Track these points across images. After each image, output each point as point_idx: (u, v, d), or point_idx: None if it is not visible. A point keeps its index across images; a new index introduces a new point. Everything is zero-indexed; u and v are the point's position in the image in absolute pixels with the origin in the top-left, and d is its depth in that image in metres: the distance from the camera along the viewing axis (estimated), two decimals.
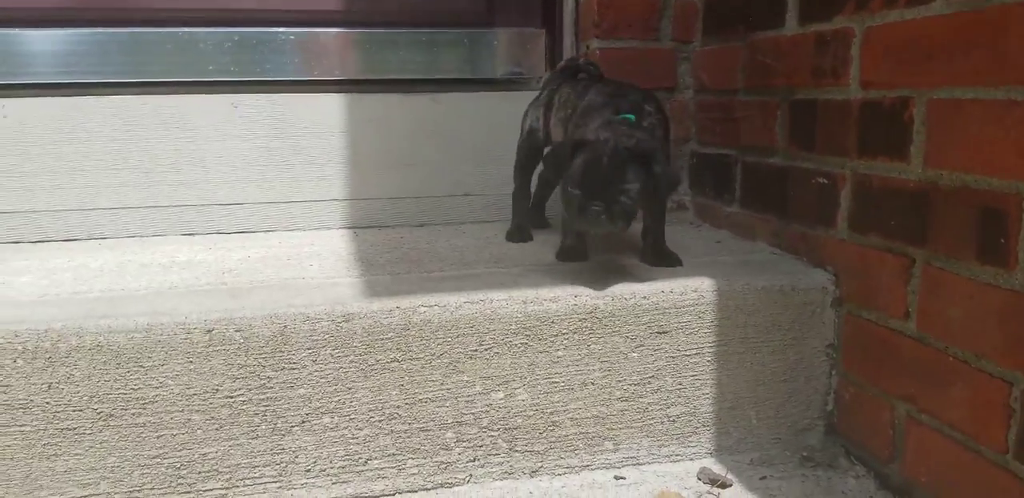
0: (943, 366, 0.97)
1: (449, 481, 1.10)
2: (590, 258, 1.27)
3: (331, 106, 1.59)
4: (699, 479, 1.11)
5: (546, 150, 1.36)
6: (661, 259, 1.27)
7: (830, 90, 1.17)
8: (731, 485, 1.09)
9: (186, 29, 1.56)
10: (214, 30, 1.57)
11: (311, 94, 1.59)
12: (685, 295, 1.13)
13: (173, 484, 1.02)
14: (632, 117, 1.19)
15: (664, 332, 1.13)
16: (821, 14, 1.18)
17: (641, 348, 1.13)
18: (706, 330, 1.14)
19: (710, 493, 1.07)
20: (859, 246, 1.13)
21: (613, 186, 1.09)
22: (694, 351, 1.14)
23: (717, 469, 1.13)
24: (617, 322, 1.12)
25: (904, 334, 1.04)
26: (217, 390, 1.02)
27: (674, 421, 1.15)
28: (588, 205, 1.10)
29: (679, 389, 1.15)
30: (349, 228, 1.62)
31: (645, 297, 1.12)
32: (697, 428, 1.16)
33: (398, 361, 1.06)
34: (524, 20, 1.73)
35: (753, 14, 1.38)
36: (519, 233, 1.45)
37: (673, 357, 1.14)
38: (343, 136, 1.60)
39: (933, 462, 1.00)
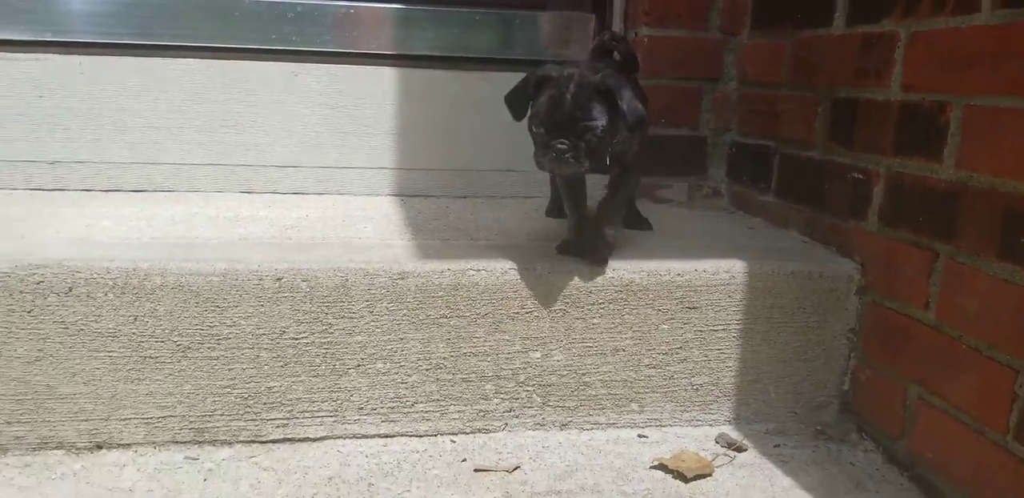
0: (956, 353, 1.07)
1: (486, 428, 1.21)
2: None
3: (385, 79, 1.69)
4: (717, 442, 1.21)
5: None
6: (635, 221, 1.28)
7: (872, 90, 1.25)
8: (746, 450, 1.20)
9: None
10: (278, 0, 1.66)
11: (367, 67, 1.68)
12: (717, 275, 1.23)
13: (240, 412, 1.14)
14: None
15: (694, 307, 1.23)
16: (869, 16, 1.26)
17: (672, 321, 1.23)
18: (734, 308, 1.24)
19: (726, 455, 1.18)
20: (887, 239, 1.22)
21: (578, 123, 1.07)
22: (721, 327, 1.24)
23: (734, 435, 1.23)
24: (651, 295, 1.22)
25: (923, 322, 1.13)
26: (284, 332, 1.13)
27: (697, 389, 1.25)
28: (553, 143, 1.08)
29: (705, 360, 1.25)
30: (397, 195, 1.72)
31: (679, 274, 1.22)
32: (718, 397, 1.26)
33: (446, 317, 1.17)
34: (575, 4, 1.80)
35: (802, 12, 1.46)
36: (557, 210, 1.49)
37: (701, 331, 1.24)
38: (394, 108, 1.71)
39: (939, 440, 1.10)
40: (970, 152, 1.06)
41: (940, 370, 1.10)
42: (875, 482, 1.13)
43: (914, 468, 1.13)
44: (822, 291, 1.26)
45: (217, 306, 1.11)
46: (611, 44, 1.38)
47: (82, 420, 1.11)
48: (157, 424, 1.13)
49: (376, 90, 1.69)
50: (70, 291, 1.08)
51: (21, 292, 1.06)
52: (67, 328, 1.08)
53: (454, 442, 1.18)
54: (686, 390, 1.25)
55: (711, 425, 1.27)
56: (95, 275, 1.08)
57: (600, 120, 1.08)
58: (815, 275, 1.26)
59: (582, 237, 1.25)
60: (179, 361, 1.12)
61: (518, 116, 1.15)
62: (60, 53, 1.58)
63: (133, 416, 1.12)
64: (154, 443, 1.13)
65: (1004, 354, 0.99)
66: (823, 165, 1.39)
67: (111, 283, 1.08)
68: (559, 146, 1.08)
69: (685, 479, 1.10)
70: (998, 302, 1.00)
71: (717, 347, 1.25)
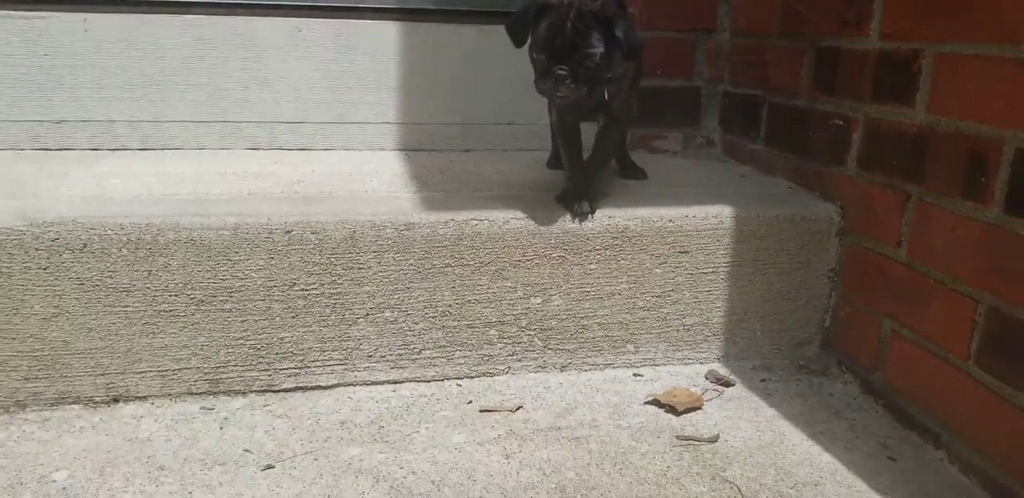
0: (925, 287, 1.13)
1: (491, 371, 1.27)
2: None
3: (388, 34, 1.69)
4: (706, 379, 1.28)
5: None
6: (626, 171, 1.32)
7: (853, 39, 1.28)
8: (734, 385, 1.26)
9: None
10: None
11: (370, 21, 1.68)
12: (706, 220, 1.27)
13: (254, 362, 1.19)
14: None
15: (685, 252, 1.28)
16: None
17: (664, 265, 1.28)
18: (722, 251, 1.29)
19: (715, 390, 1.25)
20: (865, 183, 1.26)
21: (578, 49, 1.11)
22: (710, 269, 1.30)
23: (723, 371, 1.30)
24: (644, 241, 1.26)
25: (896, 260, 1.19)
26: (294, 283, 1.17)
27: (688, 329, 1.31)
28: (553, 69, 1.11)
29: (695, 302, 1.30)
30: (401, 150, 1.75)
31: (671, 220, 1.26)
32: (708, 336, 1.33)
33: (451, 266, 1.21)
34: None
35: None
36: (557, 161, 1.53)
37: (692, 274, 1.29)
38: (397, 63, 1.71)
39: (909, 369, 1.17)
40: (939, 97, 1.10)
41: (911, 304, 1.16)
42: (852, 410, 1.20)
43: (887, 397, 1.21)
44: (805, 234, 1.31)
45: (229, 259, 1.15)
46: None
47: (99, 374, 1.15)
48: (172, 376, 1.17)
49: (379, 45, 1.69)
50: (84, 248, 1.11)
51: (36, 249, 1.09)
52: (82, 284, 1.12)
53: (460, 386, 1.24)
54: (678, 330, 1.31)
55: (701, 363, 1.33)
56: (109, 231, 1.11)
57: (598, 47, 1.11)
58: (798, 218, 1.30)
59: (580, 185, 1.29)
60: (193, 314, 1.16)
61: (518, 43, 1.18)
62: (64, 11, 1.57)
63: (149, 369, 1.17)
64: (170, 395, 1.18)
65: (966, 286, 1.05)
66: (808, 113, 1.42)
67: (125, 239, 1.12)
68: (559, 72, 1.11)
69: (676, 412, 1.16)
70: (961, 238, 1.06)
71: (707, 289, 1.30)
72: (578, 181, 1.29)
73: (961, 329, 1.06)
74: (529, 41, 1.16)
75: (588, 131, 1.33)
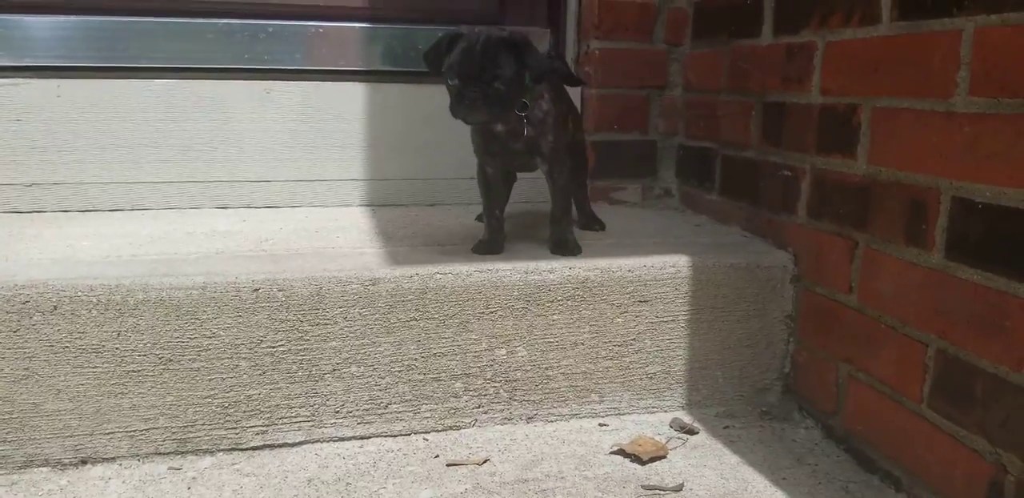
0: (876, 332, 1.14)
1: (457, 424, 1.25)
2: (505, 251, 1.32)
3: (354, 94, 1.73)
4: (671, 427, 1.27)
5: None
6: (558, 246, 1.31)
7: (796, 94, 1.32)
8: (698, 432, 1.26)
9: (225, 20, 1.68)
10: (251, 22, 1.69)
11: (337, 83, 1.72)
12: (664, 269, 1.29)
13: (221, 421, 1.17)
14: None
15: (645, 301, 1.29)
16: (791, 27, 1.33)
17: (625, 314, 1.28)
18: (681, 300, 1.30)
19: (679, 438, 1.24)
20: (815, 230, 1.29)
21: (487, 72, 1.16)
22: (670, 318, 1.30)
23: (687, 419, 1.30)
24: (605, 291, 1.27)
25: (847, 306, 1.20)
26: (261, 341, 1.17)
27: (652, 378, 1.31)
28: (465, 91, 1.16)
29: (657, 350, 1.31)
30: (368, 206, 1.76)
31: (630, 270, 1.28)
32: (671, 384, 1.32)
33: (416, 320, 1.21)
34: (531, 20, 1.85)
35: (735, 23, 1.53)
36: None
37: (652, 322, 1.30)
38: (364, 122, 1.74)
39: (867, 413, 1.17)
40: (878, 149, 1.14)
41: (864, 348, 1.17)
42: (814, 456, 1.20)
43: (848, 441, 1.20)
44: (760, 281, 1.33)
45: (197, 318, 1.14)
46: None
47: (67, 436, 1.13)
48: (141, 436, 1.15)
49: (345, 105, 1.72)
50: (55, 310, 1.09)
51: (7, 312, 1.08)
52: (52, 346, 1.10)
53: (427, 440, 1.22)
54: (641, 379, 1.31)
55: (665, 411, 1.32)
56: (79, 293, 1.10)
57: (507, 69, 1.17)
58: (753, 266, 1.32)
59: (496, 237, 1.34)
60: (161, 373, 1.14)
61: (434, 71, 1.23)
62: (37, 77, 1.59)
63: (117, 430, 1.14)
64: (138, 455, 1.15)
65: (915, 329, 1.07)
66: (758, 164, 1.46)
67: (95, 300, 1.11)
68: (470, 93, 1.16)
69: (642, 462, 1.15)
70: (907, 283, 1.08)
71: (668, 337, 1.31)
72: (494, 231, 1.34)
73: (913, 372, 1.07)
74: (444, 68, 1.21)
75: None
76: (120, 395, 1.13)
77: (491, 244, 1.33)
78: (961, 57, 0.98)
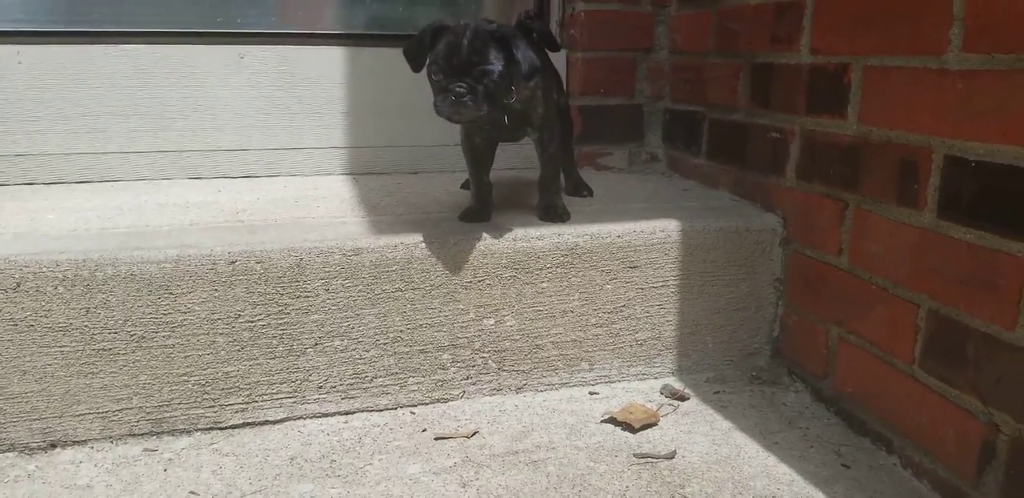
0: (867, 293, 1.10)
1: (445, 397, 1.20)
2: (492, 219, 1.26)
3: (332, 59, 1.63)
4: (661, 393, 1.23)
5: None
6: (546, 213, 1.25)
7: (785, 55, 1.26)
8: (689, 398, 1.22)
9: None
10: None
11: (314, 47, 1.62)
12: (653, 234, 1.23)
13: (199, 399, 1.10)
14: None
15: (635, 267, 1.24)
16: None
17: (615, 280, 1.23)
18: (671, 265, 1.25)
19: (670, 404, 1.20)
20: (804, 192, 1.23)
21: (476, 67, 1.05)
22: (660, 283, 1.25)
23: (677, 385, 1.25)
24: (594, 258, 1.21)
25: (837, 268, 1.16)
26: (239, 315, 1.09)
27: (642, 345, 1.27)
28: (452, 87, 1.05)
29: (646, 317, 1.26)
30: (349, 174, 1.68)
31: (619, 236, 1.22)
32: (661, 351, 1.28)
33: (401, 291, 1.15)
34: None
35: None
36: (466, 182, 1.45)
37: (642, 289, 1.25)
38: (342, 87, 1.65)
39: (857, 375, 1.13)
40: (869, 108, 1.08)
41: (855, 310, 1.13)
42: (805, 419, 1.16)
43: (839, 403, 1.17)
44: (749, 245, 1.28)
45: (171, 293, 1.06)
46: (526, 22, 1.32)
47: (34, 419, 1.06)
48: (113, 418, 1.08)
49: (324, 71, 1.63)
50: (18, 287, 1.02)
51: None
52: (16, 325, 1.02)
53: (414, 413, 1.17)
54: (631, 346, 1.26)
55: (656, 377, 1.28)
56: (43, 269, 1.02)
57: (496, 65, 1.06)
58: (742, 230, 1.27)
59: (484, 204, 1.26)
60: (134, 352, 1.07)
61: (417, 67, 1.12)
62: None
63: (88, 411, 1.07)
64: (111, 438, 1.08)
65: (906, 290, 1.03)
66: (746, 127, 1.40)
67: (61, 276, 1.03)
68: (457, 89, 1.04)
69: (633, 430, 1.11)
70: (899, 244, 1.04)
71: (657, 303, 1.26)
72: (482, 198, 1.26)
73: (904, 333, 1.03)
74: (428, 63, 1.09)
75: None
76: (90, 375, 1.06)
77: (480, 212, 1.26)
78: (954, 13, 0.93)
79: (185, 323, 1.08)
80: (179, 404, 1.10)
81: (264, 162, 1.64)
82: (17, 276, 1.02)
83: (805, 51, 1.21)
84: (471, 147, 1.28)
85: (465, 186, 1.48)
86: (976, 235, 0.91)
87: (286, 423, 1.13)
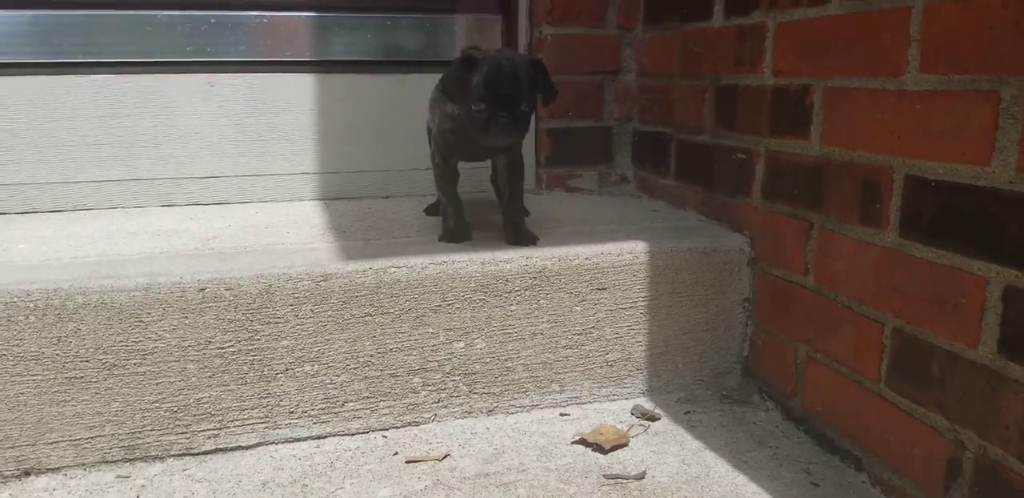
0: (833, 312, 1.13)
1: (416, 420, 1.22)
2: (473, 237, 1.30)
3: (302, 85, 1.67)
4: (632, 414, 1.25)
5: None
6: (515, 236, 1.28)
7: (748, 77, 1.30)
8: (660, 418, 1.24)
9: (165, 12, 1.60)
10: (192, 13, 1.62)
11: (283, 74, 1.66)
12: (621, 256, 1.26)
13: (171, 426, 1.12)
14: None
15: (603, 288, 1.26)
16: (742, 9, 1.31)
17: (584, 302, 1.26)
18: (639, 286, 1.28)
19: (641, 425, 1.22)
20: (770, 212, 1.27)
21: (517, 96, 1.14)
22: (629, 304, 1.28)
23: (648, 406, 1.28)
24: (563, 280, 1.24)
25: (804, 287, 1.19)
26: (209, 342, 1.12)
27: (612, 366, 1.29)
28: (497, 117, 1.13)
29: (616, 338, 1.28)
30: (320, 200, 1.71)
31: (587, 258, 1.25)
32: (631, 371, 1.30)
33: (371, 315, 1.17)
34: (482, 6, 1.80)
35: (687, 6, 1.50)
36: (433, 208, 1.50)
37: (611, 310, 1.27)
38: (313, 114, 1.69)
39: (826, 394, 1.16)
40: (831, 129, 1.12)
41: (822, 329, 1.16)
42: (775, 438, 1.19)
43: (808, 422, 1.20)
44: (717, 265, 1.31)
45: (141, 321, 1.09)
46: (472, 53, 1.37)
47: (8, 447, 1.07)
48: (86, 445, 1.10)
49: (294, 97, 1.67)
50: None
51: None
52: None
53: (386, 437, 1.19)
54: (601, 367, 1.29)
55: (627, 398, 1.31)
56: (15, 298, 1.05)
57: (532, 94, 1.17)
58: (709, 250, 1.31)
59: (463, 224, 1.31)
60: (105, 379, 1.09)
61: (456, 98, 1.19)
62: None
63: (61, 439, 1.09)
64: (83, 465, 1.10)
65: (871, 309, 1.06)
66: (712, 148, 1.44)
67: (32, 305, 1.05)
68: (503, 120, 1.13)
69: (604, 451, 1.13)
70: (862, 262, 1.07)
71: (627, 324, 1.29)
72: (459, 218, 1.31)
73: (870, 352, 1.06)
74: (469, 95, 1.15)
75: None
76: (63, 403, 1.08)
77: (463, 231, 1.30)
78: (911, 34, 0.96)
79: (156, 350, 1.10)
80: (151, 431, 1.12)
81: (236, 189, 1.67)
82: None
83: (768, 73, 1.25)
84: (446, 171, 1.32)
85: (430, 211, 1.52)
86: (937, 254, 0.94)
87: (258, 448, 1.15)
